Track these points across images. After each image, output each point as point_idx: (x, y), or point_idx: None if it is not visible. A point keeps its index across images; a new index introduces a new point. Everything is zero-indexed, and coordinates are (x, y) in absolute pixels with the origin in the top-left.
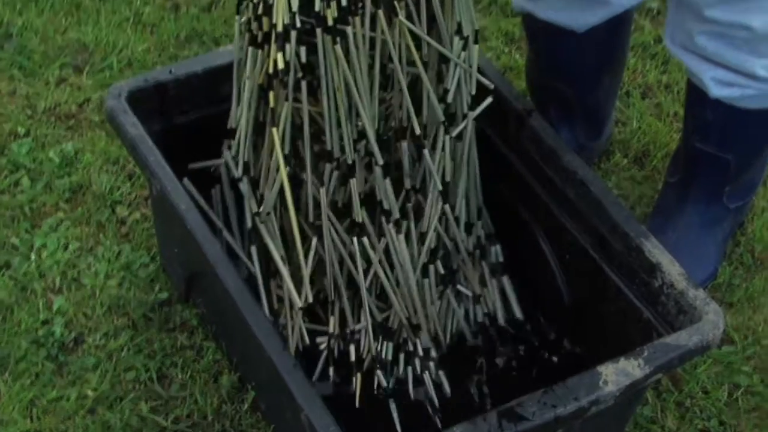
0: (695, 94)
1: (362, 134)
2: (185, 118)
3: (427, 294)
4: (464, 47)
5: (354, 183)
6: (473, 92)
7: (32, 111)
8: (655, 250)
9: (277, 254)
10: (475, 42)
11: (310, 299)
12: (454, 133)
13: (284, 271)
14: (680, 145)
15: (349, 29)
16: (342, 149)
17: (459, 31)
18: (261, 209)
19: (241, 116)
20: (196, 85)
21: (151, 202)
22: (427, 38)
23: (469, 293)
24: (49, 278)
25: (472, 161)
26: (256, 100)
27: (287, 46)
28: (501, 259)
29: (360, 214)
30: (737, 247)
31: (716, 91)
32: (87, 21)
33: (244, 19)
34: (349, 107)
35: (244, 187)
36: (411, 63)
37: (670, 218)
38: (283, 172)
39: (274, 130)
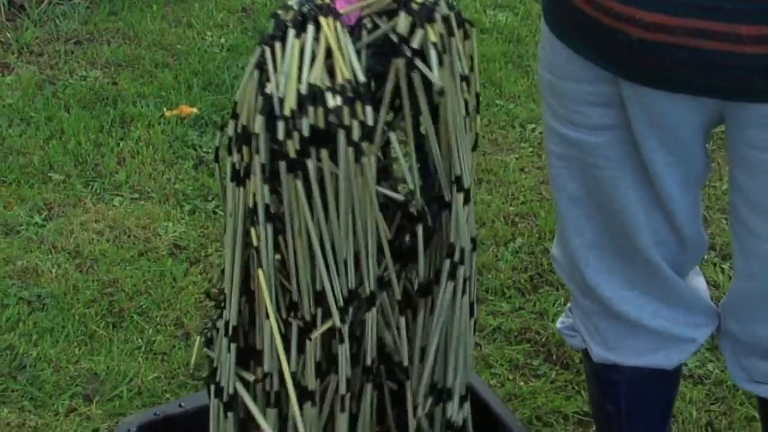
0: None
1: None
2: None
3: None
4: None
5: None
6: None
7: None
8: None
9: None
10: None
11: None
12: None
13: None
14: None
15: (310, 162)
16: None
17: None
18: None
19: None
20: (205, 419)
21: None
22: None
23: None
24: None
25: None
26: (242, 245)
27: (254, 179)
28: None
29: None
30: None
31: None
32: (100, 350)
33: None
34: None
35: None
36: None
37: None
38: (274, 324)
39: (260, 271)
